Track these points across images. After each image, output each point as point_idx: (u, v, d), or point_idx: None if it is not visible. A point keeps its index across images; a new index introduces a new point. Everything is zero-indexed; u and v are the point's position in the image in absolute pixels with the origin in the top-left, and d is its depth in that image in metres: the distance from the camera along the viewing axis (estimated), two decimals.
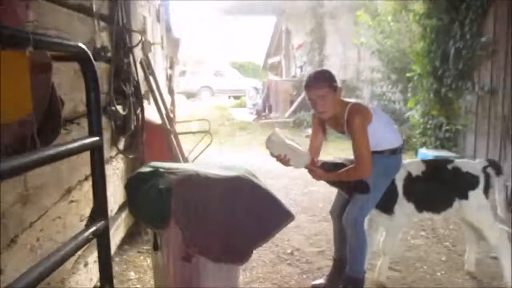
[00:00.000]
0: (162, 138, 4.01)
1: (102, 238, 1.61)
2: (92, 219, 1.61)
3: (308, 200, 5.06)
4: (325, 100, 2.52)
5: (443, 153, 6.20)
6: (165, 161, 3.96)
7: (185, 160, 4.36)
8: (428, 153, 6.27)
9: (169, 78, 6.25)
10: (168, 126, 4.15)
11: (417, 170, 2.75)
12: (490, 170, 2.80)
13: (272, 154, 2.65)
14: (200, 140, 4.33)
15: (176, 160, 4.05)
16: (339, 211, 2.84)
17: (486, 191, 2.77)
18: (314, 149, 2.78)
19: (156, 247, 2.57)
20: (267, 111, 13.13)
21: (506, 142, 5.23)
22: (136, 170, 2.60)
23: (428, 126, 6.85)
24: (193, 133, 4.36)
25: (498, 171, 2.83)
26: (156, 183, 2.30)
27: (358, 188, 2.57)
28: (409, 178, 2.72)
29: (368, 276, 2.89)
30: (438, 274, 3.18)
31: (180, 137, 4.39)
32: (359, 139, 2.48)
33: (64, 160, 2.39)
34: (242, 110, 15.02)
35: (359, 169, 2.48)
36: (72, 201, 2.50)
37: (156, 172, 2.41)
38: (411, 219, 2.87)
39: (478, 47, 5.68)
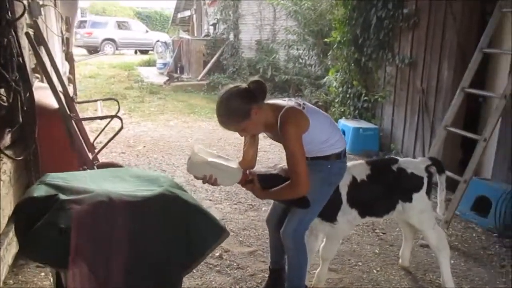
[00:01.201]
0: (61, 127, 3.34)
1: None
2: None
3: None
4: (245, 130, 2.24)
5: (363, 124, 6.20)
6: (66, 156, 3.38)
7: (92, 150, 3.73)
8: (348, 123, 6.23)
9: (66, 43, 5.35)
10: (68, 111, 3.47)
11: (361, 174, 2.51)
12: (432, 169, 2.66)
13: (196, 177, 2.26)
14: (107, 124, 3.71)
15: (81, 152, 3.42)
16: (276, 220, 2.53)
17: (429, 192, 2.64)
18: (248, 158, 2.41)
19: (60, 287, 2.08)
20: (178, 72, 12.36)
21: (424, 116, 5.30)
22: (26, 194, 2.00)
23: (348, 95, 6.79)
24: (100, 118, 3.72)
25: (441, 170, 2.70)
26: (55, 219, 1.76)
27: (296, 202, 2.26)
28: (353, 184, 2.47)
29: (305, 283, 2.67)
30: (374, 271, 3.07)
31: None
32: (292, 153, 2.14)
33: None
34: (151, 69, 14.01)
35: (295, 187, 2.16)
36: None
37: (53, 200, 1.86)
38: (353, 225, 2.67)
39: (400, 18, 5.58)
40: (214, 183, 2.24)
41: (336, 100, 7.11)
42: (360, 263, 3.17)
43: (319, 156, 2.30)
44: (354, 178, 2.48)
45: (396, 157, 2.72)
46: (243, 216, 3.90)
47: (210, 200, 4.23)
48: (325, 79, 8.70)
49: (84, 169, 3.62)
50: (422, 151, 5.25)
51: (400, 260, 3.12)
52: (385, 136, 6.12)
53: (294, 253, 2.34)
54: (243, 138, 2.45)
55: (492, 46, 4.14)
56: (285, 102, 2.25)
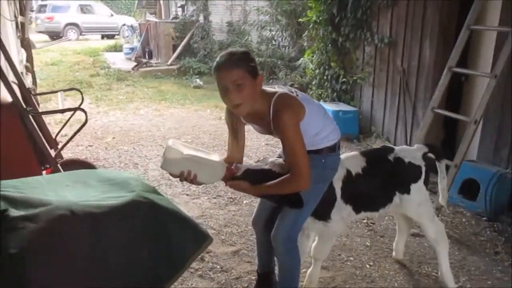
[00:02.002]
0: (15, 123, 2.97)
1: None
2: None
3: None
4: (241, 90, 1.84)
5: (342, 107, 6.00)
6: (23, 155, 3.02)
7: (55, 146, 3.37)
8: (326, 106, 6.00)
9: (21, 28, 4.87)
10: (24, 104, 3.10)
11: (356, 167, 2.29)
12: (430, 156, 2.46)
13: (172, 175, 1.96)
14: (69, 118, 3.36)
15: (41, 149, 3.07)
16: (264, 222, 2.29)
17: (426, 181, 2.44)
18: (234, 154, 2.12)
19: None
20: (147, 57, 11.84)
21: (405, 97, 5.12)
22: None
23: (325, 77, 6.56)
24: (61, 111, 3.34)
25: (439, 156, 2.50)
26: (4, 242, 1.45)
27: (289, 201, 2.00)
28: (348, 178, 2.25)
29: None
30: (367, 266, 2.88)
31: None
32: (291, 143, 1.88)
33: None
34: (118, 55, 13.40)
35: (295, 181, 1.90)
36: None
37: (2, 217, 1.54)
38: (348, 222, 2.45)
39: None
40: (193, 180, 1.94)
41: (313, 83, 6.88)
42: (351, 258, 2.98)
43: (311, 150, 2.05)
44: (348, 172, 2.26)
45: (391, 146, 2.51)
46: (223, 211, 3.64)
47: (187, 194, 3.95)
48: (300, 61, 8.46)
49: (46, 168, 3.29)
50: (404, 133, 5.10)
51: (393, 253, 2.94)
52: (365, 118, 5.94)
53: (287, 258, 2.11)
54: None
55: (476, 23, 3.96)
56: (275, 89, 1.98)
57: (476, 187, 3.78)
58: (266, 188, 1.98)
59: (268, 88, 1.99)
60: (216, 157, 2.01)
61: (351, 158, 2.32)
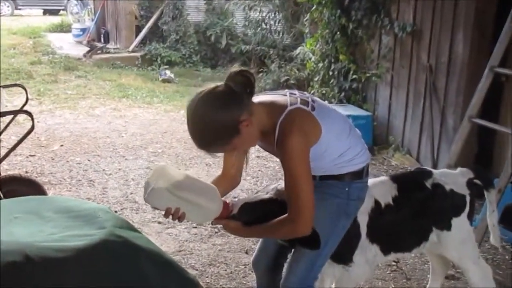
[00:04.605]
0: None
1: None
2: None
3: None
4: (237, 148, 1.96)
5: (351, 110, 6.01)
6: None
7: None
8: None
9: None
10: None
11: (386, 196, 2.27)
12: (476, 184, 2.45)
13: (155, 208, 1.98)
14: (9, 122, 3.31)
15: None
16: (268, 263, 2.26)
17: (471, 214, 2.43)
18: (230, 175, 2.11)
19: None
20: (103, 40, 11.78)
21: (432, 101, 5.16)
22: None
23: (330, 72, 6.58)
24: (1, 115, 3.27)
25: (488, 184, 2.50)
26: None
27: (302, 240, 1.96)
28: (376, 211, 2.23)
29: None
30: None
31: None
32: (294, 174, 1.84)
33: None
34: (65, 36, 13.28)
35: (294, 223, 1.86)
36: None
37: None
38: (373, 266, 2.42)
39: None
40: (180, 218, 1.91)
41: (316, 79, 6.92)
42: None
43: (331, 175, 2.02)
44: (377, 203, 2.23)
45: (429, 169, 2.51)
46: (207, 246, 3.59)
47: (159, 222, 3.88)
48: (298, 51, 8.50)
49: None
50: (430, 145, 5.12)
51: None
52: (381, 126, 5.98)
53: None
54: None
55: None
56: (286, 98, 1.94)
57: None
58: (259, 231, 1.99)
59: (276, 98, 1.94)
60: (211, 192, 1.96)
61: (379, 185, 2.30)
